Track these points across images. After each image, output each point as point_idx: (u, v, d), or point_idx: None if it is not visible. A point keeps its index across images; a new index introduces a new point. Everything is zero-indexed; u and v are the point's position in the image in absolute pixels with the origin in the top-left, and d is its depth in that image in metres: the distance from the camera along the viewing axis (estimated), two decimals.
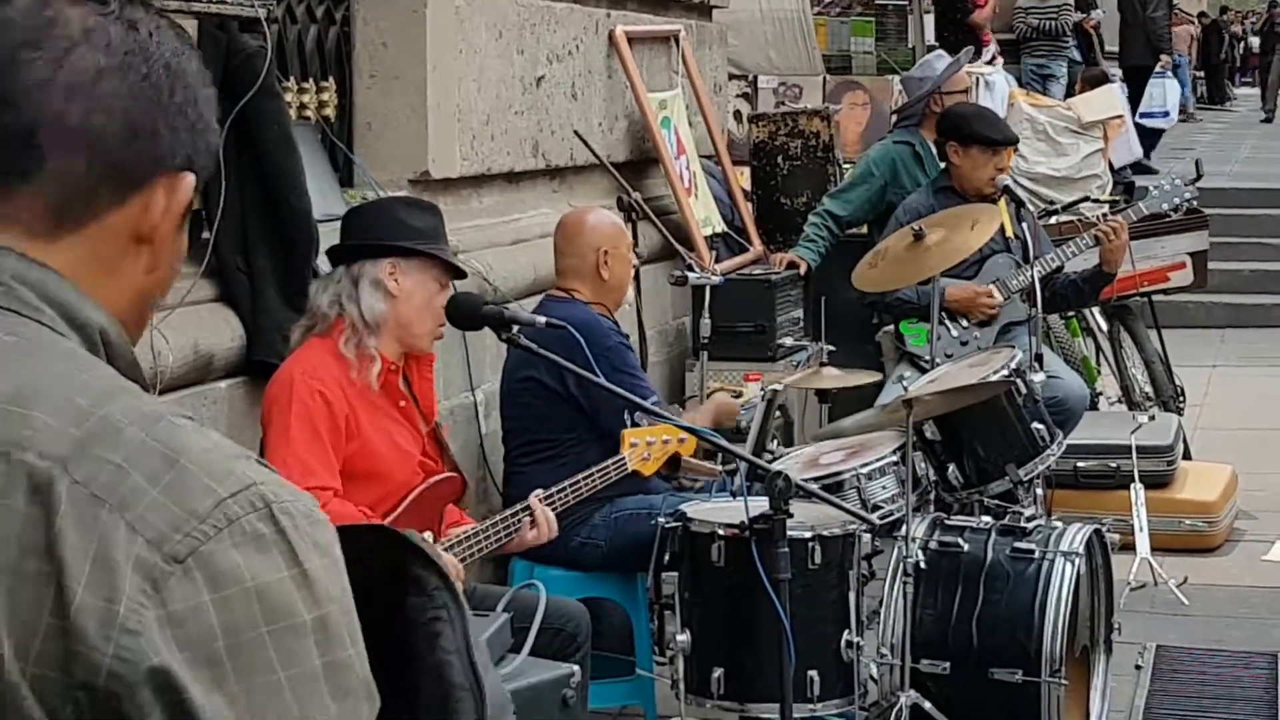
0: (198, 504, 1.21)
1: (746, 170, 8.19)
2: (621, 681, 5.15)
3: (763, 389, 4.82)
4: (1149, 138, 16.06)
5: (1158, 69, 16.75)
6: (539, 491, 4.41)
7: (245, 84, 4.17)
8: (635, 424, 4.74)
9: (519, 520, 4.31)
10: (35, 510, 1.19)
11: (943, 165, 6.82)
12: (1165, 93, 16.69)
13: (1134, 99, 16.01)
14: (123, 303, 1.38)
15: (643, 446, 4.51)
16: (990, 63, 13.17)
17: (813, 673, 4.47)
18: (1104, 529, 5.04)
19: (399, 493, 4.13)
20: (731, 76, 9.92)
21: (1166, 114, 16.79)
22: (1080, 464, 7.06)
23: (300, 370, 4.00)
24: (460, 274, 4.23)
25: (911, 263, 5.58)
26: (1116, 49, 18.17)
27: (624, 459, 4.57)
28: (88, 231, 1.35)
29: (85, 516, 1.19)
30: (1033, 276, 6.06)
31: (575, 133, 6.40)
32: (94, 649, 1.17)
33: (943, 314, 6.24)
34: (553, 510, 4.40)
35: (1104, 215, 7.59)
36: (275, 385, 4.02)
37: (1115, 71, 16.72)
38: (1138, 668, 5.75)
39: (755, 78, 11.59)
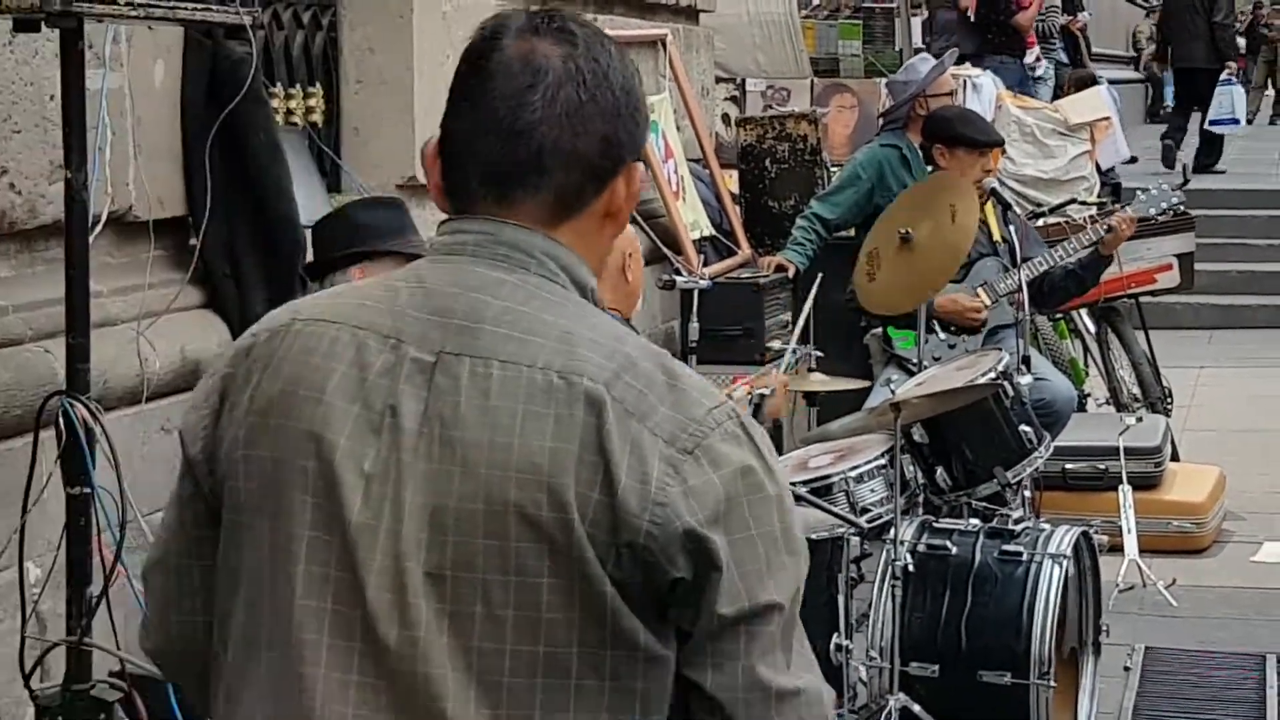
0: (695, 413, 1.74)
1: (734, 173, 8.20)
2: None
3: (751, 393, 4.82)
4: (1215, 143, 16.91)
5: (1225, 76, 17.21)
6: None
7: (232, 91, 4.16)
8: None
9: None
10: (591, 419, 1.71)
11: (929, 169, 6.83)
12: (1233, 100, 17.26)
13: (1186, 100, 16.90)
14: (595, 265, 1.88)
15: None
16: (1035, 64, 13.35)
17: None
18: (1092, 531, 5.05)
19: None
20: (719, 79, 9.93)
21: (1235, 120, 17.47)
22: (1068, 466, 7.07)
23: None
24: None
25: (909, 273, 5.58)
26: (1126, 49, 18.32)
27: None
28: (577, 218, 1.84)
29: (622, 425, 1.71)
30: (1020, 280, 6.07)
31: None
32: (635, 517, 1.70)
33: (929, 318, 6.24)
34: None
35: (1091, 217, 7.62)
36: None
37: (1102, 72, 16.78)
38: (1126, 669, 5.77)
39: (743, 80, 11.60)
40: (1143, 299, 8.54)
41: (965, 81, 10.45)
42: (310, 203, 4.81)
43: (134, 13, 3.09)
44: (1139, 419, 7.31)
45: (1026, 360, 5.74)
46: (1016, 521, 4.99)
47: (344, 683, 1.72)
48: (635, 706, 1.74)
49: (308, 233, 4.50)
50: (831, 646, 4.54)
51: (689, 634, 1.75)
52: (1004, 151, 11.65)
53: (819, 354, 5.49)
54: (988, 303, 6.53)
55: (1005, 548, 4.84)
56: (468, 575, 1.71)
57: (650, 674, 1.75)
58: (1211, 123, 16.79)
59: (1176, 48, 17.00)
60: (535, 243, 1.82)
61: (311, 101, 5.18)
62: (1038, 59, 13.40)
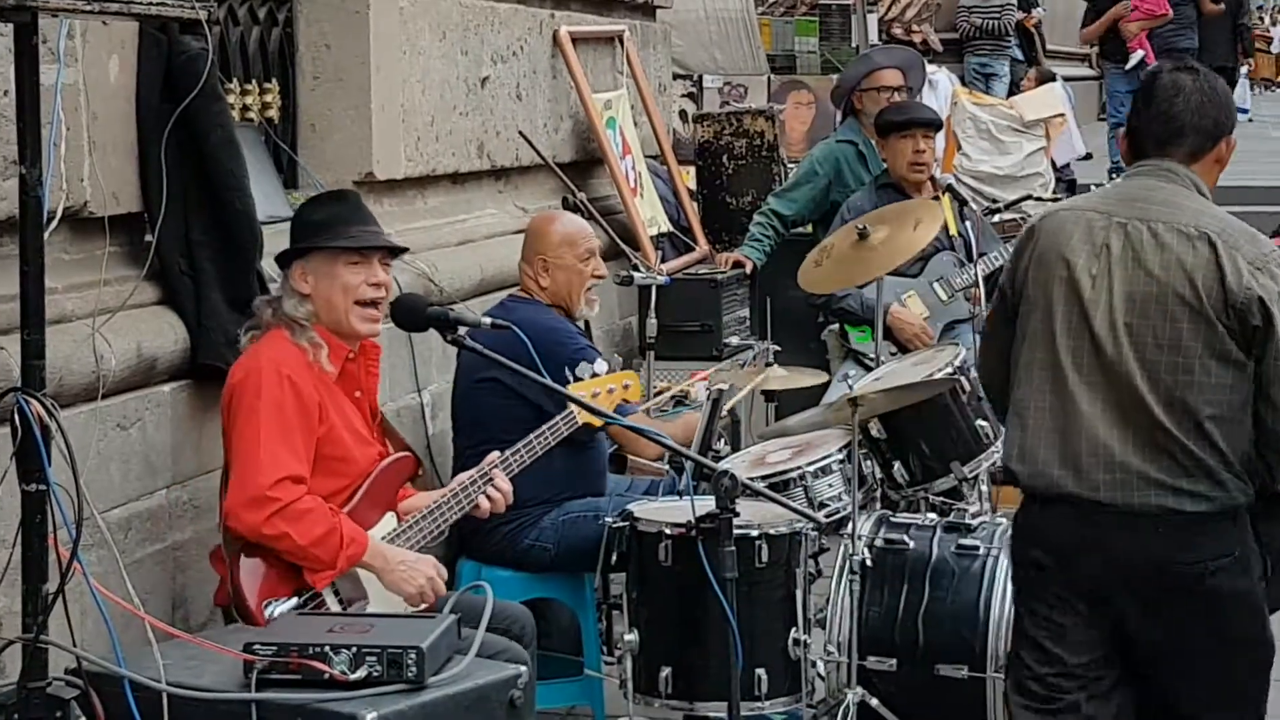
0: (1264, 249, 3.55)
1: (692, 170, 8.20)
2: (570, 682, 5.15)
3: (709, 389, 4.82)
4: None
5: (1244, 69, 20.34)
6: (495, 454, 4.41)
7: (187, 86, 4.14)
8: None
9: (479, 489, 4.32)
10: (1210, 250, 3.50)
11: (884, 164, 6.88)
12: (1245, 92, 21.78)
13: None
14: (1210, 184, 3.70)
15: (588, 398, 4.50)
16: (1137, 68, 13.93)
17: (760, 671, 4.49)
18: None
19: (358, 476, 4.16)
20: (676, 76, 9.94)
21: (1245, 110, 20.95)
22: None
23: (267, 358, 4.02)
24: (367, 242, 4.21)
25: (857, 263, 5.61)
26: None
27: (571, 413, 4.57)
28: (1200, 162, 3.67)
29: (1228, 252, 3.50)
30: (975, 275, 6.09)
31: (520, 133, 6.40)
32: (1234, 294, 3.48)
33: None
34: (509, 474, 4.41)
35: None
36: (241, 374, 4.01)
37: (1058, 70, 16.88)
38: None
39: (700, 77, 11.61)
40: None
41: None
42: (267, 199, 4.79)
43: (89, 7, 3.07)
44: None
45: None
46: (973, 516, 5.01)
47: (1080, 380, 3.56)
48: (1230, 390, 3.50)
49: (265, 229, 4.50)
50: (790, 641, 4.54)
51: (1260, 358, 3.50)
52: (960, 148, 11.72)
53: (777, 348, 5.50)
54: (944, 299, 6.58)
55: (962, 542, 4.85)
56: (1145, 323, 3.53)
57: (1239, 375, 3.51)
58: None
59: (1202, 45, 17.37)
60: (1180, 170, 3.64)
61: (268, 98, 5.15)
62: (1142, 61, 14.65)
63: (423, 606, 4.06)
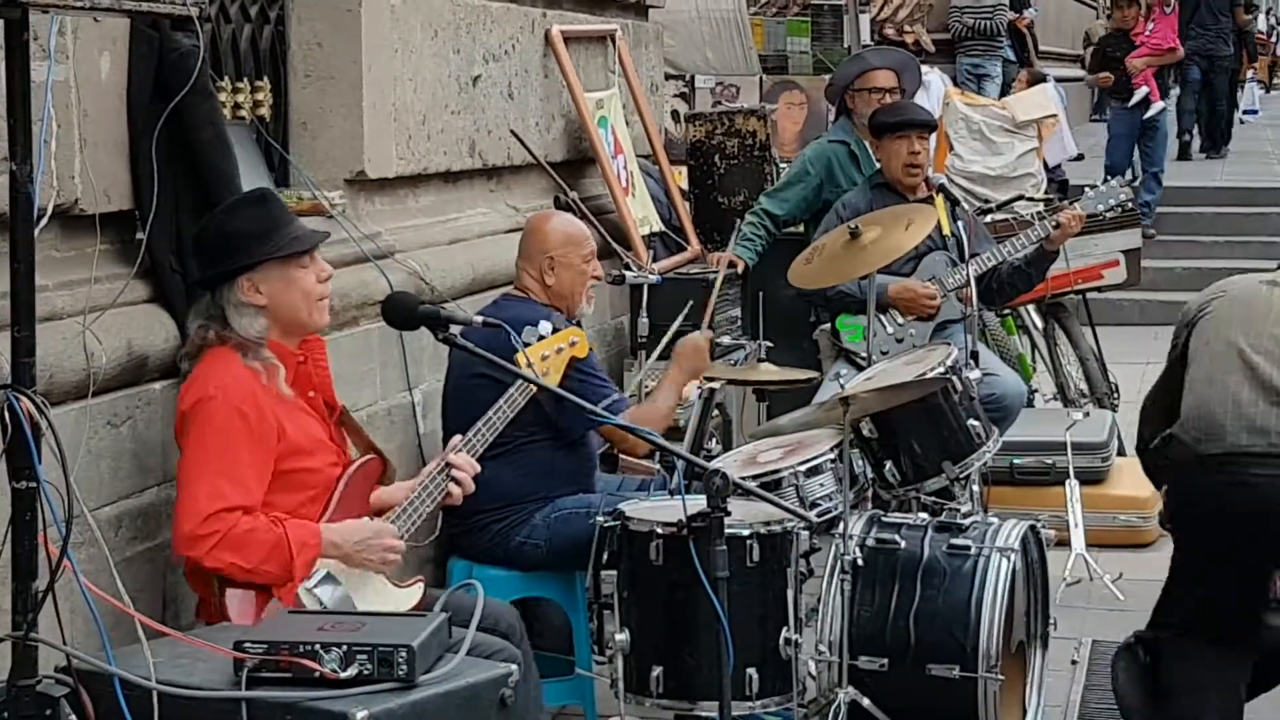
0: None
1: (683, 170, 8.20)
2: (561, 681, 5.15)
3: (700, 387, 4.82)
4: (1228, 129, 19.80)
5: (1250, 73, 22.14)
6: (457, 438, 4.38)
7: (178, 83, 4.13)
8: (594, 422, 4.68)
9: (445, 476, 4.28)
10: None
11: (879, 164, 6.88)
12: (1253, 94, 24.00)
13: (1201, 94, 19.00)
14: None
15: (538, 363, 4.47)
16: (1140, 105, 13.86)
17: (751, 670, 4.49)
18: (1039, 525, 5.07)
19: (326, 485, 4.12)
20: (668, 76, 9.93)
21: (1255, 111, 23.70)
22: (1016, 461, 7.12)
23: (216, 385, 3.95)
24: (315, 240, 4.18)
25: (847, 260, 5.61)
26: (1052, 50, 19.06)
27: (523, 383, 4.51)
28: None
29: None
30: (968, 275, 6.09)
31: (512, 132, 6.39)
32: None
33: (878, 311, 6.27)
34: (471, 453, 4.36)
35: (1038, 214, 7.65)
36: (189, 403, 3.95)
37: (1050, 70, 16.89)
38: (1074, 663, 5.80)
39: (692, 77, 11.61)
40: (1090, 295, 8.58)
41: None
42: None
43: (80, 2, 3.06)
44: (1086, 414, 7.35)
45: (975, 355, 5.76)
46: (965, 516, 5.01)
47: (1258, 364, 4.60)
48: None
49: None
50: (781, 641, 4.54)
51: None
52: (952, 148, 11.72)
53: (769, 345, 5.50)
54: (941, 296, 6.56)
55: (954, 542, 4.86)
56: None
57: None
58: (1245, 113, 21.54)
59: (1205, 44, 17.62)
60: None
61: (259, 95, 5.14)
62: (1144, 100, 14.59)
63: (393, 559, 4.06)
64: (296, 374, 4.14)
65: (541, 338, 4.51)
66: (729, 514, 3.97)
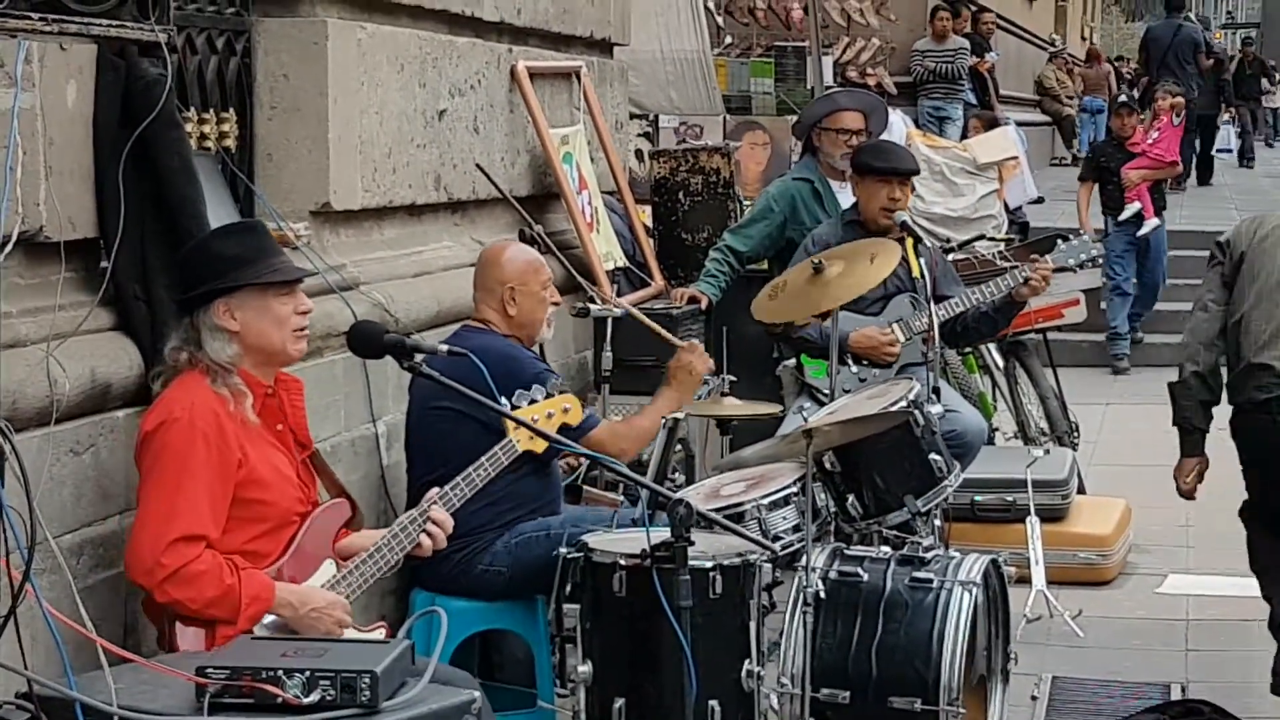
0: None
1: (648, 208, 8.23)
2: (522, 714, 5.14)
3: (664, 419, 4.84)
4: (1210, 166, 21.39)
5: (1224, 118, 22.78)
6: (434, 491, 4.39)
7: (145, 111, 4.14)
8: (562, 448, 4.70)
9: (419, 528, 4.27)
10: None
11: (846, 207, 6.91)
12: (1229, 135, 25.43)
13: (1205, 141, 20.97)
14: None
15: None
16: (1132, 221, 12.97)
17: (714, 703, 4.48)
18: (1001, 559, 5.10)
19: (284, 519, 4.10)
20: (633, 116, 9.98)
21: (1229, 150, 25.10)
22: (977, 498, 7.15)
23: (182, 408, 3.94)
24: (298, 278, 4.20)
25: (811, 296, 5.63)
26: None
27: (511, 441, 4.53)
28: None
29: None
30: (930, 318, 6.09)
31: (477, 165, 6.41)
32: None
33: (843, 353, 6.29)
34: (449, 509, 4.37)
35: (1001, 254, 7.71)
36: (154, 423, 3.93)
37: (1009, 114, 17.05)
38: (1034, 698, 5.82)
39: (656, 117, 11.67)
40: (1050, 337, 8.64)
41: None
42: None
43: (47, 27, 3.07)
44: (1046, 451, 7.39)
45: (936, 391, 5.79)
46: (927, 549, 5.02)
47: None
48: None
49: None
50: (743, 673, 4.54)
51: None
52: (913, 189, 11.81)
53: (733, 379, 5.52)
54: (902, 341, 6.57)
55: (916, 575, 4.87)
56: None
57: None
58: (1217, 150, 22.34)
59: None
60: None
61: (225, 127, 5.14)
62: (1137, 215, 13.17)
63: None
64: (264, 405, 4.14)
65: (534, 401, 4.55)
66: (692, 543, 3.98)
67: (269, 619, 3.92)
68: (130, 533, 3.89)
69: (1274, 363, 5.38)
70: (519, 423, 4.38)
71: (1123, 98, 14.62)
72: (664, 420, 4.79)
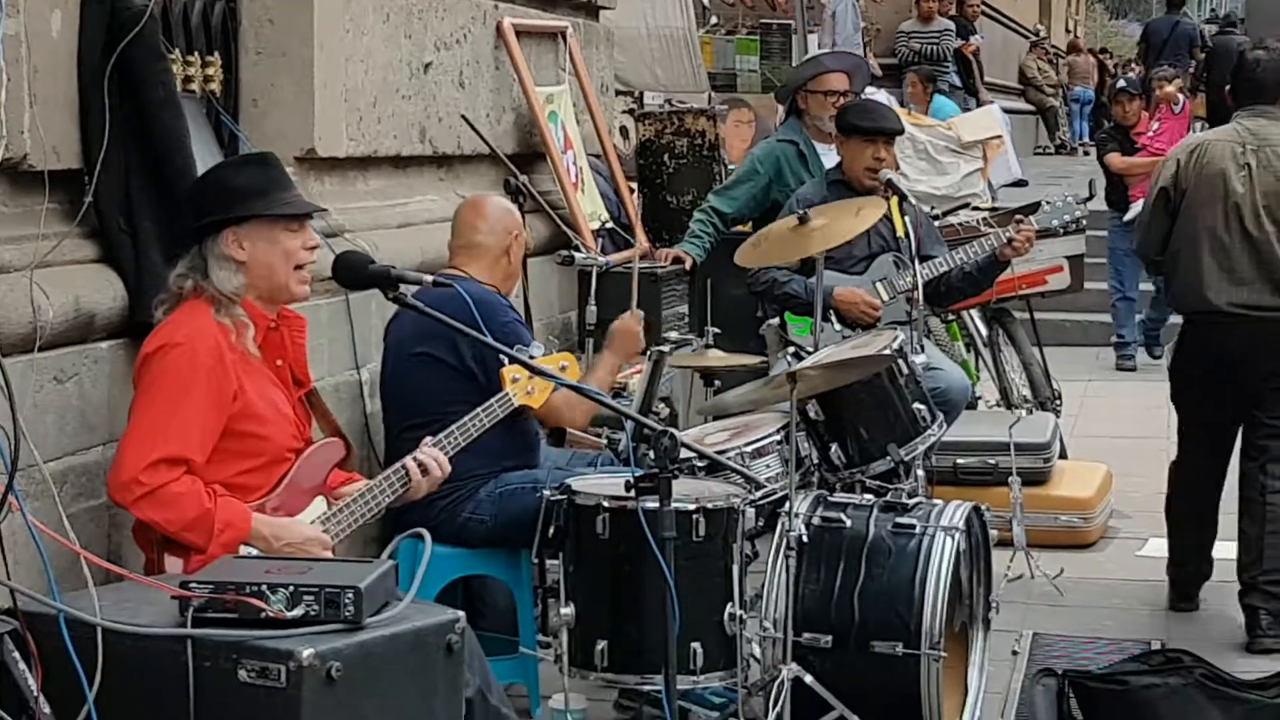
0: None
1: (634, 183, 8.22)
2: (504, 660, 5.13)
3: (650, 351, 4.84)
4: None
5: None
6: (429, 439, 4.39)
7: (130, 43, 4.13)
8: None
9: (406, 473, 4.29)
10: None
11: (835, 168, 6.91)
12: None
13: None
14: None
15: (525, 380, 4.49)
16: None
17: (695, 645, 4.49)
18: (984, 507, 5.10)
19: (278, 455, 4.11)
20: (618, 93, 9.97)
21: None
22: (959, 460, 7.14)
23: (184, 334, 3.95)
24: (308, 214, 4.19)
25: (794, 242, 5.63)
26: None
27: (508, 395, 4.54)
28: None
29: None
30: (915, 277, 6.10)
31: (463, 117, 6.40)
32: None
33: (826, 309, 6.28)
34: (449, 449, 4.39)
35: (985, 220, 7.71)
36: (154, 345, 3.95)
37: (992, 99, 17.05)
38: (1014, 653, 5.83)
39: (641, 94, 11.66)
40: (1035, 317, 8.65)
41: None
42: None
43: None
44: (1029, 412, 7.39)
45: (921, 348, 5.79)
46: (910, 496, 5.02)
47: (1234, 243, 5.96)
48: None
49: None
50: (725, 616, 4.54)
51: None
52: (898, 167, 11.79)
53: (717, 331, 5.52)
54: (885, 299, 6.56)
55: (899, 520, 4.86)
56: (1277, 205, 5.93)
57: None
58: None
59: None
60: (1271, 111, 5.98)
61: (210, 70, 5.13)
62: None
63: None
64: (266, 338, 4.14)
65: (532, 357, 4.55)
66: (677, 476, 3.98)
67: (243, 550, 3.92)
68: (117, 451, 3.88)
69: None
70: (518, 361, 4.37)
71: (1121, 82, 13.32)
72: (650, 353, 4.79)
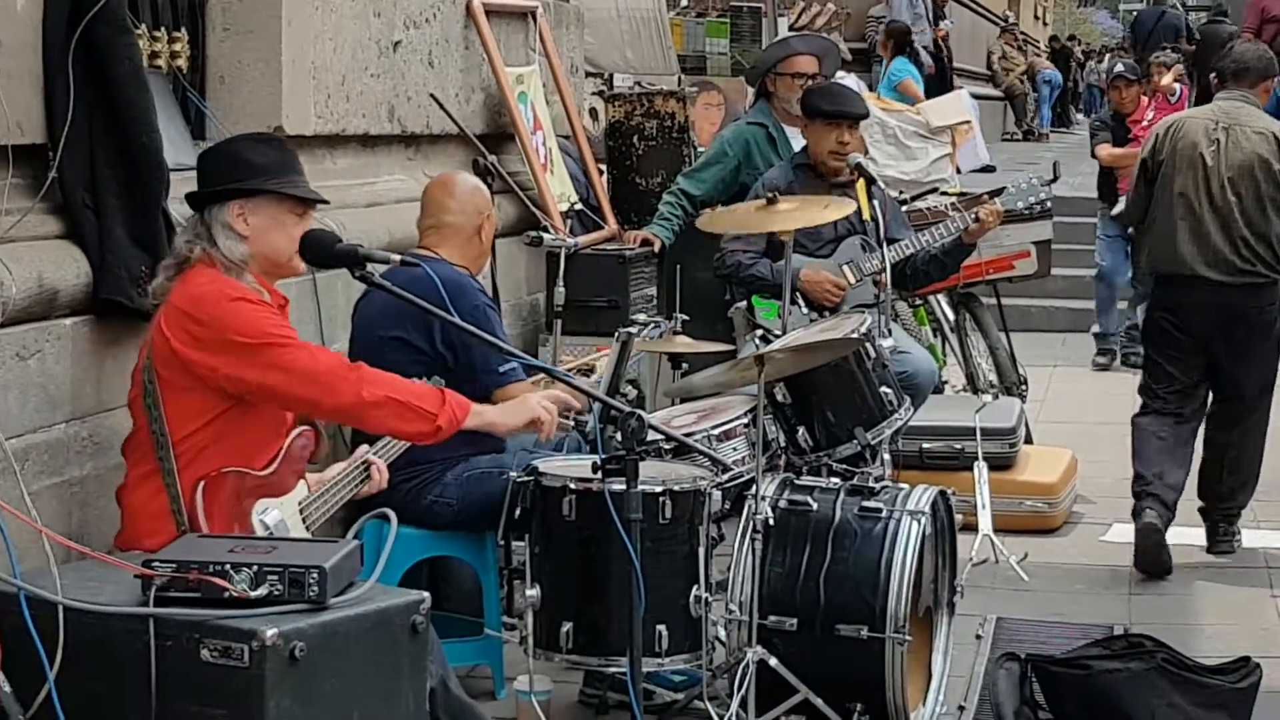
0: None
1: (603, 166, 8.20)
2: (469, 641, 5.12)
3: (618, 332, 4.82)
4: None
5: None
6: (364, 447, 4.42)
7: (96, 19, 4.10)
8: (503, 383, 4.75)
9: (363, 471, 4.35)
10: (1275, 143, 6.54)
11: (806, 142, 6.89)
12: None
13: None
14: (1263, 100, 6.86)
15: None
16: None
17: (661, 627, 4.49)
18: (950, 492, 5.10)
19: (283, 427, 4.13)
20: (588, 74, 9.94)
21: None
22: (925, 445, 7.15)
23: (230, 286, 3.97)
24: (314, 200, 4.18)
25: (760, 218, 5.62)
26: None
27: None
28: (1255, 90, 6.72)
29: None
30: (883, 259, 6.10)
31: (432, 96, 6.37)
32: None
33: (794, 293, 6.28)
34: (385, 459, 4.42)
35: (953, 205, 7.70)
36: (224, 305, 3.94)
37: (962, 85, 17.07)
38: (978, 637, 5.83)
39: (611, 76, 11.63)
40: (1003, 301, 8.67)
41: None
42: (174, 147, 4.74)
43: None
44: (995, 397, 7.41)
45: (888, 331, 5.79)
46: (876, 480, 5.02)
47: (1204, 210, 6.55)
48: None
49: (172, 176, 4.44)
50: (691, 599, 4.54)
51: None
52: (866, 150, 11.81)
53: (684, 318, 5.51)
54: (852, 281, 6.56)
55: (865, 504, 4.86)
56: (1240, 179, 6.49)
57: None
58: None
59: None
60: (1247, 94, 6.66)
61: (176, 46, 5.10)
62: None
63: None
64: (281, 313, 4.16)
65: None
66: (644, 458, 3.97)
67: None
68: (317, 401, 4.02)
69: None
70: (487, 342, 4.37)
71: (1119, 66, 12.31)
72: (617, 334, 4.78)
